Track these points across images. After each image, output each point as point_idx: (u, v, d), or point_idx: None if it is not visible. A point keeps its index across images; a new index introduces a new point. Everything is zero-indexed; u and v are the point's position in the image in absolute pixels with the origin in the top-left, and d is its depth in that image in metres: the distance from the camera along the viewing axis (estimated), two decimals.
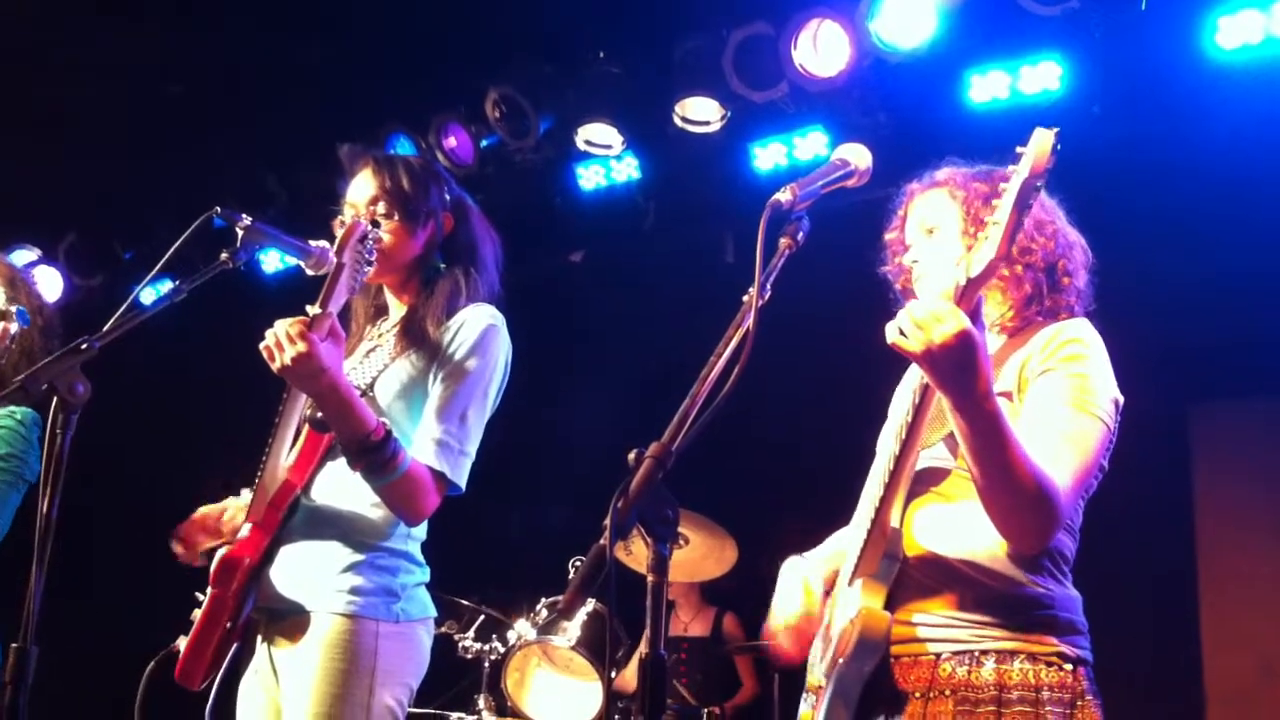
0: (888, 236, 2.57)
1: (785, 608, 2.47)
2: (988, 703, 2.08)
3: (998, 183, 2.12)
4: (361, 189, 2.83)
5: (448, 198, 2.88)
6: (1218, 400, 5.96)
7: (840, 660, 2.19)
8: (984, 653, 2.12)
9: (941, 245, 2.37)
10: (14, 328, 3.21)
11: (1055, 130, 1.92)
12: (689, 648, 6.41)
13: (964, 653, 2.14)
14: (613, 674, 5.02)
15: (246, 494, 2.83)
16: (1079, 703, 2.11)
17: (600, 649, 4.67)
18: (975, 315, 1.96)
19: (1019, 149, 1.94)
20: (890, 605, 2.20)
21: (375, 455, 2.48)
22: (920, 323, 1.92)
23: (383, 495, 2.58)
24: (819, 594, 2.48)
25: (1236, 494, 5.90)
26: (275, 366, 2.43)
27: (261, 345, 2.45)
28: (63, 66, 5.88)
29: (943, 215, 2.40)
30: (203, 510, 2.86)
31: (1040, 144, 1.92)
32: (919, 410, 2.16)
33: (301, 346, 2.39)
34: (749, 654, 6.26)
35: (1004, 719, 2.07)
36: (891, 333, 1.98)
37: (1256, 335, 5.32)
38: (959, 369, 1.93)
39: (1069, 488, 2.09)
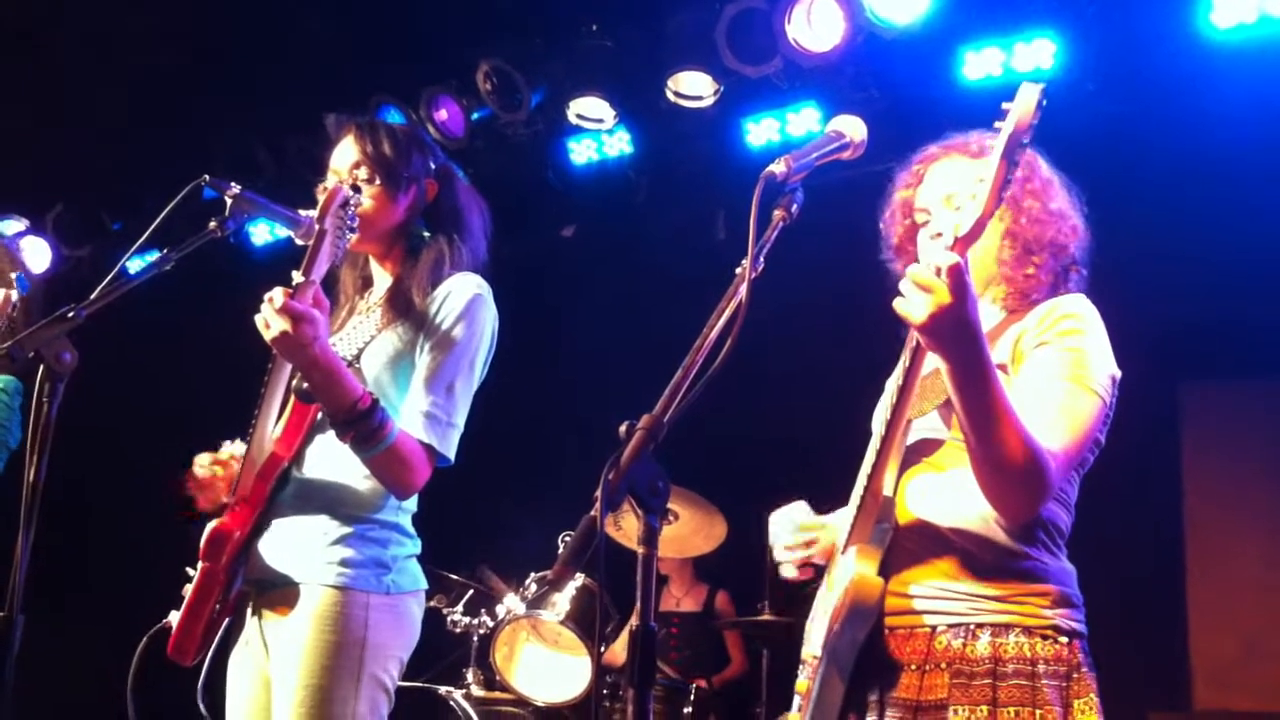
0: (900, 195, 2.49)
1: (778, 537, 2.48)
2: (983, 676, 2.08)
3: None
4: (344, 155, 2.80)
5: (431, 165, 2.85)
6: (1207, 380, 5.97)
7: (834, 628, 2.19)
8: (979, 626, 2.12)
9: None
10: (15, 294, 3.20)
11: (1041, 85, 1.88)
12: (680, 623, 6.43)
13: (960, 625, 2.13)
14: (601, 648, 5.03)
15: (227, 445, 2.80)
16: (1074, 675, 2.11)
17: (589, 624, 4.68)
18: None
19: (1005, 105, 1.91)
20: (883, 573, 2.19)
21: (363, 424, 2.46)
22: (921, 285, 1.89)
23: (372, 468, 2.56)
24: (817, 520, 2.47)
25: (1225, 474, 5.92)
26: (269, 336, 2.41)
27: (257, 316, 2.42)
28: (53, 38, 5.84)
29: (967, 185, 2.35)
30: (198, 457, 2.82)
31: (1026, 99, 1.88)
32: (909, 373, 2.15)
33: (297, 310, 2.37)
34: (739, 630, 6.28)
35: (1000, 692, 2.07)
36: (900, 305, 1.93)
37: (1247, 315, 5.32)
38: (955, 330, 1.90)
39: (1060, 460, 2.07)
